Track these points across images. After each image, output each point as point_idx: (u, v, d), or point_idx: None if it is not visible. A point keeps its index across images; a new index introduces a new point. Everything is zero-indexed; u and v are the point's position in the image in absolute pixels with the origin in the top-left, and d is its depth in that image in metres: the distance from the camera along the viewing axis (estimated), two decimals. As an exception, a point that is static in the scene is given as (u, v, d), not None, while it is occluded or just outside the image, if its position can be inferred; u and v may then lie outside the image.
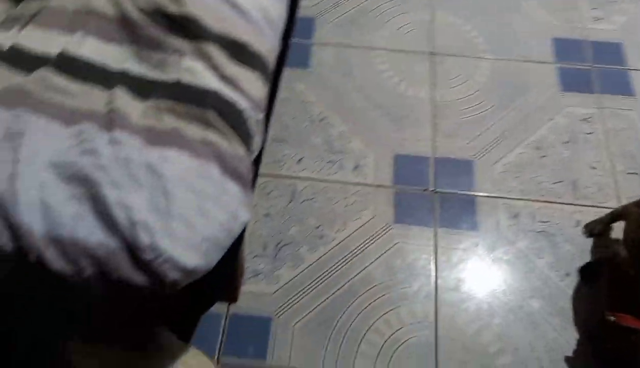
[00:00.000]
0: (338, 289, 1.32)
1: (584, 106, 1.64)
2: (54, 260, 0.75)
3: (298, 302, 1.30)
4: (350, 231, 1.41)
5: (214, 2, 1.01)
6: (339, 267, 1.35)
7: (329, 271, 1.35)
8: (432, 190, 1.48)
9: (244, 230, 0.94)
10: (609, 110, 1.63)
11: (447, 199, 1.46)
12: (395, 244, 1.39)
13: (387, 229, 1.41)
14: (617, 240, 1.32)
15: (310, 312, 1.29)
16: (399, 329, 1.27)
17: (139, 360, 1.00)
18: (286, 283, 1.33)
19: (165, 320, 1.08)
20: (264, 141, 1.02)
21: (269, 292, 1.31)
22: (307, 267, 1.35)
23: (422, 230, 1.41)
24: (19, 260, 0.76)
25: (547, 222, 1.43)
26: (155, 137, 0.85)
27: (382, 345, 1.25)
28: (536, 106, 1.64)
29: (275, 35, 1.08)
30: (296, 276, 1.34)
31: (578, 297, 1.32)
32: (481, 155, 1.54)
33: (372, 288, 1.32)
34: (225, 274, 1.15)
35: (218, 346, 1.24)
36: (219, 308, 1.28)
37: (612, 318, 1.08)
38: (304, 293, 1.31)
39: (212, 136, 0.88)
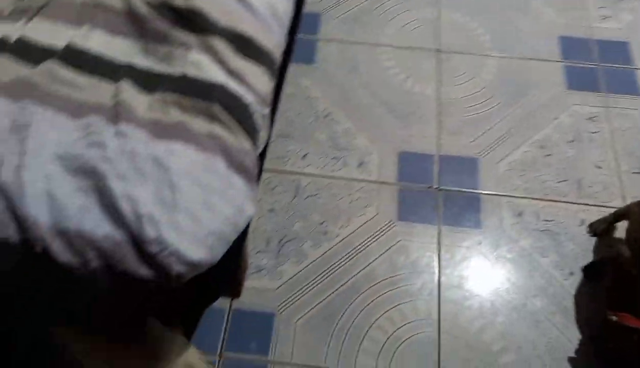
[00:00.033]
0: (341, 285, 1.32)
1: (590, 105, 1.63)
2: (60, 252, 0.75)
3: (301, 298, 1.30)
4: (354, 228, 1.41)
5: (220, -4, 1.01)
6: (343, 263, 1.35)
7: (332, 267, 1.35)
8: (436, 188, 1.48)
9: (248, 225, 0.94)
10: (615, 110, 1.62)
11: (451, 197, 1.46)
12: (398, 241, 1.39)
13: (391, 226, 1.41)
14: (620, 240, 1.31)
15: (313, 308, 1.29)
16: (401, 326, 1.27)
17: (131, 351, 1.00)
18: (289, 279, 1.33)
19: (168, 314, 1.08)
20: (269, 136, 1.02)
21: (272, 287, 1.31)
22: (310, 263, 1.35)
23: (426, 228, 1.41)
24: (25, 251, 0.76)
25: (551, 220, 1.43)
26: (161, 130, 0.85)
27: (385, 342, 1.25)
28: (541, 104, 1.63)
29: (281, 31, 1.08)
30: (299, 272, 1.34)
31: (581, 296, 1.32)
32: (486, 153, 1.54)
33: (375, 285, 1.32)
34: (228, 269, 1.15)
35: (220, 341, 1.24)
36: (221, 303, 1.28)
37: (615, 318, 1.08)
38: (307, 289, 1.31)
39: (217, 130, 0.88)
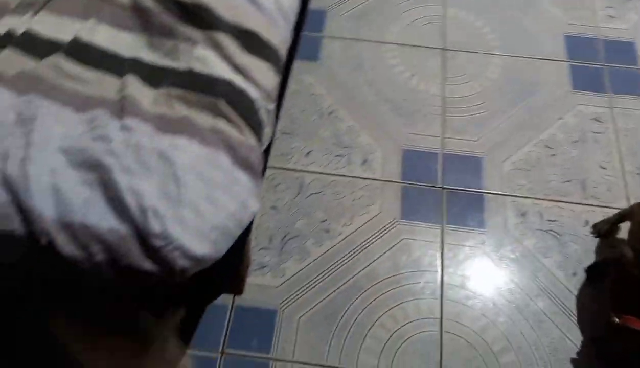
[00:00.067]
0: (344, 283, 1.32)
1: (595, 105, 1.63)
2: (65, 245, 0.75)
3: (303, 295, 1.30)
4: (357, 226, 1.40)
5: (227, -8, 1.01)
6: (345, 261, 1.35)
7: (334, 265, 1.34)
8: (440, 187, 1.47)
9: (251, 222, 0.94)
10: (620, 110, 1.62)
11: (454, 196, 1.46)
12: (401, 240, 1.39)
13: (394, 224, 1.41)
14: (624, 241, 1.31)
15: (316, 305, 1.29)
16: (404, 325, 1.27)
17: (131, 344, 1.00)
18: (292, 277, 1.32)
19: (171, 309, 1.09)
20: (273, 133, 1.02)
21: (274, 285, 1.31)
22: (313, 261, 1.35)
23: (429, 227, 1.41)
24: (30, 244, 0.76)
25: (555, 221, 1.42)
26: (166, 125, 0.85)
27: (387, 341, 1.25)
28: (547, 104, 1.63)
29: (287, 27, 1.08)
30: (302, 269, 1.34)
31: (584, 297, 1.31)
32: (490, 152, 1.53)
33: (377, 283, 1.32)
34: (231, 265, 1.15)
35: (222, 338, 1.24)
36: (224, 300, 1.28)
37: (617, 319, 1.08)
38: (309, 286, 1.31)
39: (222, 125, 0.88)
